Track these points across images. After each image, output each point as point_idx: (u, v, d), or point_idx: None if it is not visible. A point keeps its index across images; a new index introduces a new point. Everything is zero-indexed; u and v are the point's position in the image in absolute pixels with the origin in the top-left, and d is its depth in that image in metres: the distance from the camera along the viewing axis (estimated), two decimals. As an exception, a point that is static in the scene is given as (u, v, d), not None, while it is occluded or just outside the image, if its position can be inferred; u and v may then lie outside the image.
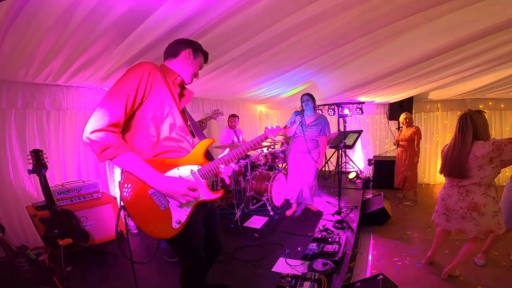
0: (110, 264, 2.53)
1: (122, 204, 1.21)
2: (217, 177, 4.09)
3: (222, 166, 1.38)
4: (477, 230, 2.14)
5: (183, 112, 1.44)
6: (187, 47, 1.41)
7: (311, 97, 3.50)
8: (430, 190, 5.33)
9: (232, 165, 1.41)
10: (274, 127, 1.57)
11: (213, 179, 4.12)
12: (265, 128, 1.58)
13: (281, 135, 5.25)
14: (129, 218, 3.42)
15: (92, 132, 1.08)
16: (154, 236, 1.26)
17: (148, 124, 1.24)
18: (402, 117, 4.60)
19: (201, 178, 1.32)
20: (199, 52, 1.46)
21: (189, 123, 1.51)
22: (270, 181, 3.80)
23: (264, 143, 4.58)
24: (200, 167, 1.33)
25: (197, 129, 1.56)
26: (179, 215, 1.27)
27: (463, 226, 2.23)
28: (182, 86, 1.48)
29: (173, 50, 1.42)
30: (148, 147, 1.25)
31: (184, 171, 1.29)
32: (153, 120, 1.25)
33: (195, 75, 1.47)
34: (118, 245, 1.34)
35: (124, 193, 1.20)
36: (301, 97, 3.54)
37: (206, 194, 1.34)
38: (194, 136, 1.55)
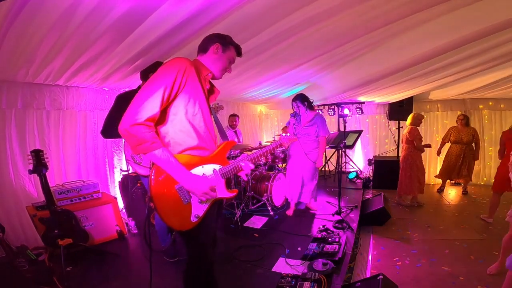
0: (110, 264, 2.53)
1: (149, 195, 1.28)
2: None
3: (242, 164, 1.45)
4: None
5: (210, 108, 1.48)
6: (216, 41, 1.42)
7: (300, 100, 3.45)
8: (430, 190, 5.33)
9: (251, 165, 1.48)
10: (288, 135, 1.66)
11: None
12: (280, 135, 1.71)
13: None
14: (129, 218, 3.41)
15: (131, 126, 1.14)
16: (173, 227, 1.34)
17: (179, 119, 1.29)
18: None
19: (221, 177, 1.40)
20: (229, 46, 1.45)
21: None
22: (270, 181, 3.80)
23: (264, 143, 4.59)
24: (221, 166, 1.41)
25: (220, 127, 1.60)
26: (198, 210, 1.35)
27: None
28: (211, 83, 1.51)
29: (203, 45, 1.45)
30: (177, 142, 1.31)
31: (208, 169, 1.37)
32: (185, 116, 1.29)
33: (225, 69, 1.48)
34: (144, 237, 1.48)
35: (152, 185, 1.27)
36: (291, 103, 3.54)
37: (223, 192, 1.42)
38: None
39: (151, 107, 1.17)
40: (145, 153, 1.18)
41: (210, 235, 1.48)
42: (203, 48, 1.44)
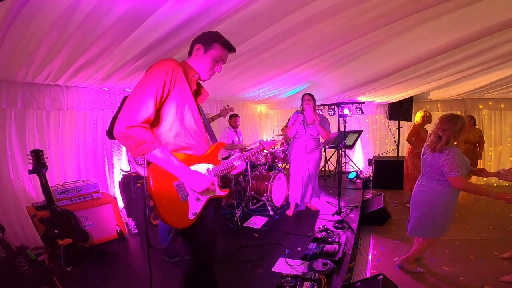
0: (110, 264, 2.53)
1: (148, 193, 1.28)
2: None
3: (236, 163, 1.51)
4: None
5: (198, 109, 1.49)
6: (196, 42, 1.41)
7: (312, 96, 3.51)
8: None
9: (242, 163, 1.54)
10: (269, 139, 1.72)
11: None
12: (261, 140, 1.75)
13: (281, 135, 5.25)
14: (129, 218, 3.39)
15: (128, 128, 1.13)
16: (172, 225, 1.35)
17: (171, 119, 1.30)
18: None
19: (214, 176, 1.44)
20: (213, 44, 1.38)
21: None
22: (270, 181, 3.80)
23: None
24: (214, 166, 1.44)
25: (209, 128, 1.62)
26: (195, 207, 1.37)
27: None
28: (199, 84, 1.52)
29: (190, 48, 1.46)
30: (170, 142, 1.32)
31: (202, 168, 1.41)
32: (175, 115, 1.30)
33: (211, 70, 1.43)
34: (145, 235, 1.39)
35: (151, 183, 1.27)
36: (302, 96, 3.53)
37: (216, 191, 1.46)
38: None
39: (146, 109, 1.17)
40: (145, 153, 1.18)
41: (209, 234, 1.48)
42: (190, 50, 1.46)
